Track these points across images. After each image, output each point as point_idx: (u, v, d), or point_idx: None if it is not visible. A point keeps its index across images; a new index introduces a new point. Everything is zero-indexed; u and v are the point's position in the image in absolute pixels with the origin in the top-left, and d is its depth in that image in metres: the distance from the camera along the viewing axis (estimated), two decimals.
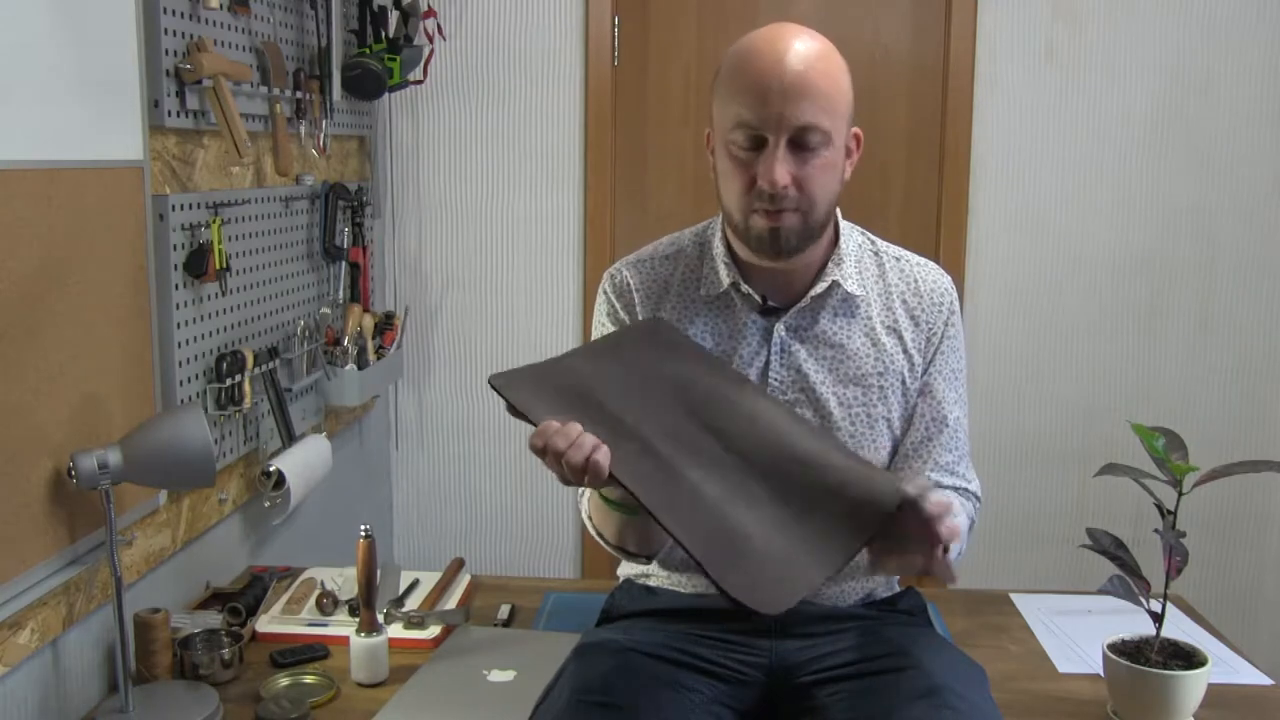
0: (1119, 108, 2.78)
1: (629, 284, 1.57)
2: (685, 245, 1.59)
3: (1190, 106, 2.77)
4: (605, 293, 1.59)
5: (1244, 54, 2.74)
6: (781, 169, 1.37)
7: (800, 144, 1.38)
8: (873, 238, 1.59)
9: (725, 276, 1.51)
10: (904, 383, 1.51)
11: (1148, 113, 2.78)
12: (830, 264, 1.50)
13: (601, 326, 1.59)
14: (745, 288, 1.50)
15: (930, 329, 1.53)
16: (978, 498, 1.57)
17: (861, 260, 1.54)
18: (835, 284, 1.50)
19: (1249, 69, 2.75)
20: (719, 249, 1.53)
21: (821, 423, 1.49)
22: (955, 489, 1.54)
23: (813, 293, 1.49)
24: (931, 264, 1.58)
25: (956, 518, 1.23)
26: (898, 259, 1.57)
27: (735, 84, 1.40)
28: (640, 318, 1.55)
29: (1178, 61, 2.75)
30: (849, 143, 1.47)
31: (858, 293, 1.51)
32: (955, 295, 1.57)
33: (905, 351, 1.52)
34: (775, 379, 1.49)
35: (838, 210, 1.53)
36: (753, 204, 1.41)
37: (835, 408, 1.49)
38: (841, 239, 1.52)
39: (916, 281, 1.54)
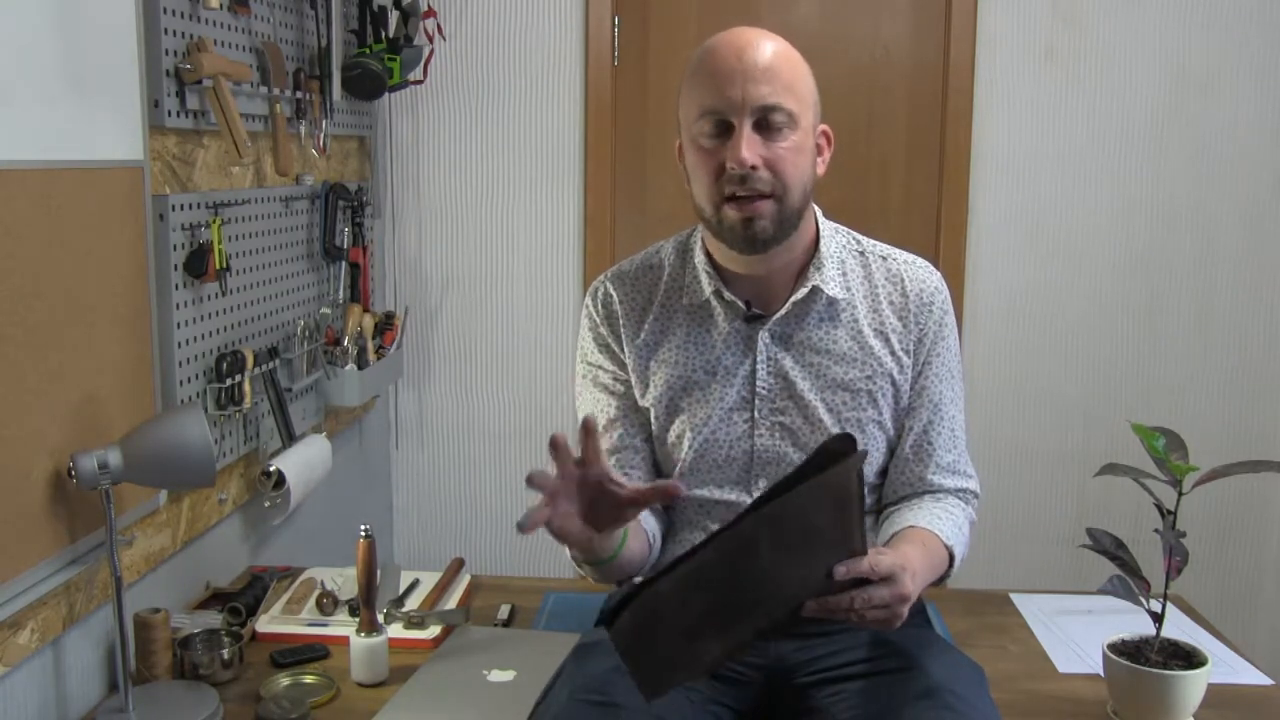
0: (1119, 108, 2.78)
1: (612, 297, 1.57)
2: (667, 255, 1.59)
3: (1190, 106, 2.77)
4: (588, 308, 1.60)
5: (1244, 54, 2.74)
6: (749, 148, 1.37)
7: (766, 125, 1.39)
8: (858, 237, 1.58)
9: (707, 285, 1.51)
10: (894, 384, 1.51)
11: (1148, 113, 2.78)
12: (811, 268, 1.49)
13: (584, 344, 1.60)
14: (728, 295, 1.49)
15: (921, 329, 1.52)
16: (976, 495, 1.57)
17: (845, 262, 1.53)
18: (817, 289, 1.49)
19: (1249, 69, 2.75)
20: (700, 258, 1.52)
21: (811, 429, 1.49)
22: (958, 490, 1.54)
23: (794, 298, 1.48)
24: (920, 261, 1.57)
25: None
26: (884, 258, 1.55)
27: (698, 77, 1.43)
28: (623, 331, 1.55)
29: (1178, 61, 2.75)
30: (818, 139, 1.46)
31: (840, 296, 1.50)
32: (945, 293, 1.55)
33: (893, 353, 1.51)
34: (762, 387, 1.49)
35: (819, 211, 1.52)
36: (723, 191, 1.40)
37: (824, 414, 1.48)
38: (822, 241, 1.51)
39: (903, 281, 1.53)
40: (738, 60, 1.38)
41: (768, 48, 1.40)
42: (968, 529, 1.51)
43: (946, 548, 1.43)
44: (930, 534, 1.42)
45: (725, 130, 1.39)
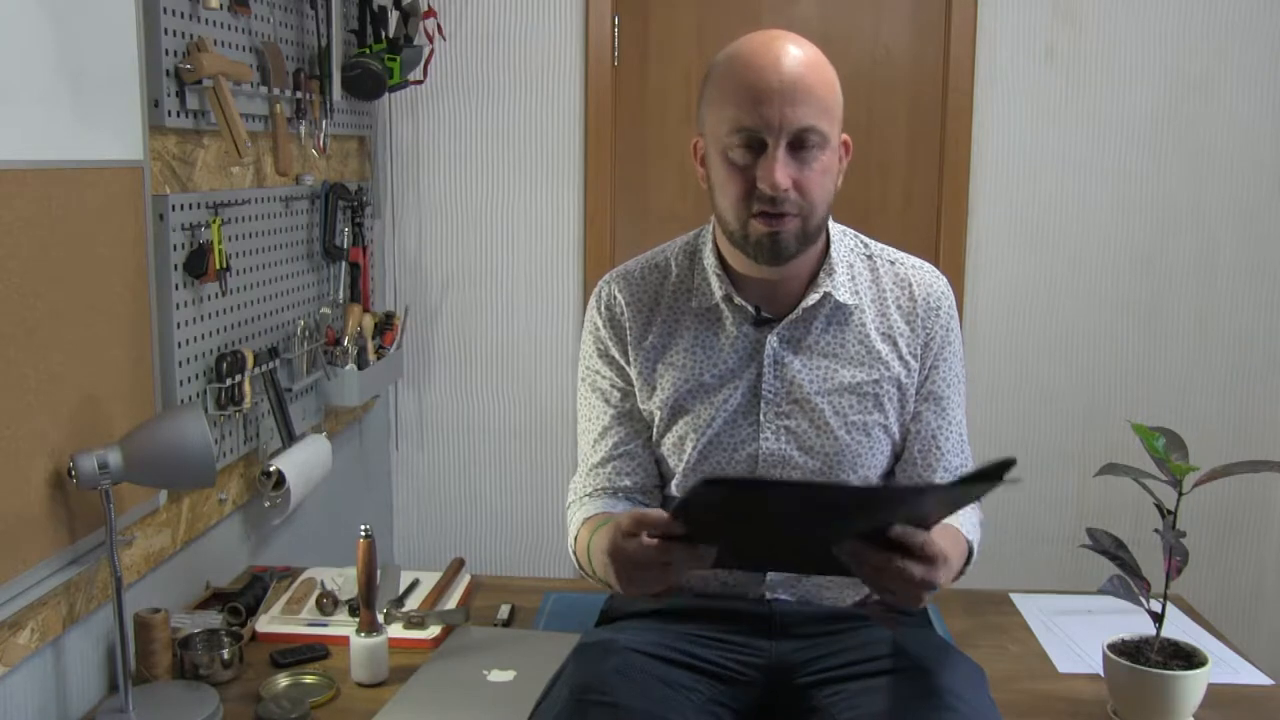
0: (1119, 108, 2.78)
1: (616, 299, 1.57)
2: (674, 256, 1.58)
3: (1190, 106, 2.77)
4: (590, 314, 1.60)
5: (1244, 54, 2.74)
6: (782, 171, 1.36)
7: (799, 147, 1.38)
8: (866, 240, 1.58)
9: (717, 288, 1.51)
10: (900, 387, 1.51)
11: (1148, 113, 2.78)
12: (821, 274, 1.49)
13: (586, 346, 1.60)
14: (738, 299, 1.49)
15: (927, 334, 1.52)
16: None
17: (854, 266, 1.53)
18: (827, 294, 1.49)
19: (1249, 69, 2.75)
20: (710, 260, 1.52)
21: (816, 433, 1.49)
22: None
23: (804, 304, 1.49)
24: (927, 266, 1.57)
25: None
26: (892, 262, 1.56)
27: (731, 88, 1.39)
28: (629, 333, 1.55)
29: (1178, 61, 2.75)
30: (839, 149, 1.46)
31: (850, 302, 1.50)
32: (951, 297, 1.56)
33: (900, 357, 1.51)
34: (768, 390, 1.49)
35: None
36: (751, 209, 1.40)
37: (831, 417, 1.48)
38: (832, 246, 1.51)
39: (911, 285, 1.53)
40: (776, 78, 1.36)
41: (804, 63, 1.38)
42: (979, 528, 1.51)
43: (967, 541, 1.43)
44: (951, 527, 1.41)
45: (758, 147, 1.38)
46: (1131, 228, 2.82)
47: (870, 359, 1.50)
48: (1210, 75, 2.75)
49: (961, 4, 2.74)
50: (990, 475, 1.11)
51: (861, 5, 2.81)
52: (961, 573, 1.45)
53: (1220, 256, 2.82)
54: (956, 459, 1.53)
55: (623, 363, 1.56)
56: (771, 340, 1.49)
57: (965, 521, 1.46)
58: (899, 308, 1.52)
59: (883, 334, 1.51)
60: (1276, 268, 2.82)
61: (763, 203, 1.38)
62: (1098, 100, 2.77)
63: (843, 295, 1.49)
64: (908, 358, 1.51)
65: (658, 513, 1.20)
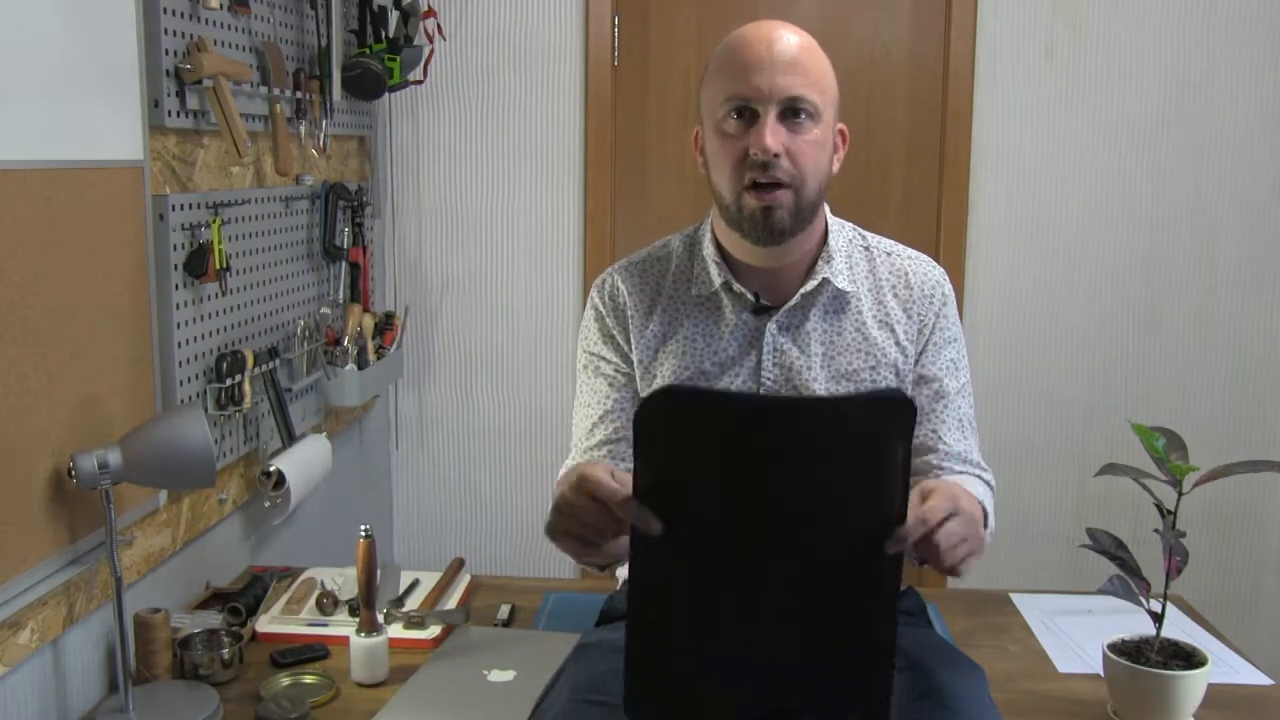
0: (1119, 107, 2.78)
1: (619, 289, 1.57)
2: (675, 247, 1.59)
3: (1190, 106, 2.77)
4: (593, 300, 1.60)
5: (1244, 54, 2.74)
6: (772, 136, 1.38)
7: (790, 116, 1.40)
8: (863, 233, 1.59)
9: (716, 276, 1.51)
10: (898, 374, 1.51)
11: (1148, 113, 2.78)
12: (820, 261, 1.51)
13: (588, 334, 1.60)
14: (737, 287, 1.50)
15: (922, 320, 1.53)
16: (991, 486, 1.55)
17: (852, 255, 1.54)
18: (825, 281, 1.50)
19: (1249, 69, 2.75)
20: (709, 249, 1.53)
21: None
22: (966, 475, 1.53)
23: (803, 290, 1.49)
24: (924, 257, 1.58)
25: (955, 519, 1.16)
26: (888, 253, 1.57)
27: (725, 65, 1.43)
28: (631, 323, 1.55)
29: (1178, 61, 2.75)
30: (835, 137, 1.47)
31: (848, 289, 1.51)
32: (948, 286, 1.57)
33: (898, 344, 1.52)
34: (767, 378, 1.50)
35: (827, 206, 1.53)
36: (744, 179, 1.41)
37: None
38: (831, 235, 1.53)
39: (907, 274, 1.55)
40: (767, 51, 1.40)
41: (797, 41, 1.42)
42: (990, 501, 1.46)
43: (979, 504, 1.36)
44: (954, 483, 1.31)
45: (750, 118, 1.40)
46: (1131, 228, 2.82)
47: (867, 346, 1.50)
48: (1210, 75, 2.75)
49: (961, 4, 2.75)
50: (885, 403, 1.04)
51: (861, 5, 2.81)
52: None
53: (1220, 256, 2.82)
54: (959, 445, 1.52)
55: (626, 349, 1.56)
56: (771, 328, 1.50)
57: (967, 485, 1.41)
58: (896, 296, 1.53)
59: (879, 321, 1.52)
60: (1276, 268, 2.82)
61: (755, 170, 1.40)
62: (1097, 100, 2.77)
63: (841, 282, 1.50)
64: (905, 344, 1.52)
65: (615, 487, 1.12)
